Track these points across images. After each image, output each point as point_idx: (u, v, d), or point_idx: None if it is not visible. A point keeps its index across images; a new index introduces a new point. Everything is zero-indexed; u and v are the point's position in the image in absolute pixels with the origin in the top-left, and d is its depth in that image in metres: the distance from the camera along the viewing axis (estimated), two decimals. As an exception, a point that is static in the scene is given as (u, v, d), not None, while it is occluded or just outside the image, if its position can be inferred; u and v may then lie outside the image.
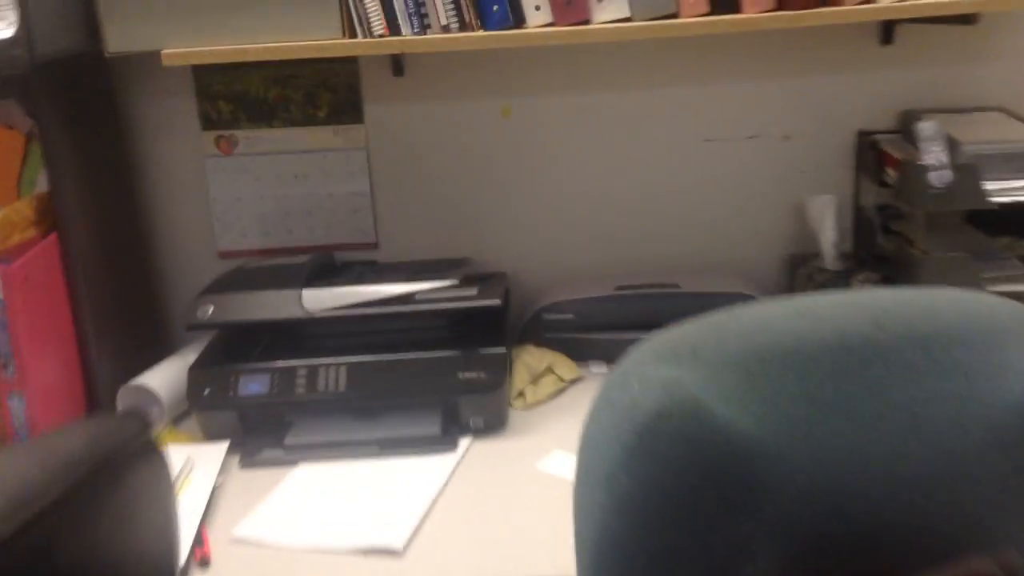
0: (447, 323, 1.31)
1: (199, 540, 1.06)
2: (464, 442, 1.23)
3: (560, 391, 1.36)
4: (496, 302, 1.26)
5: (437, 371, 1.24)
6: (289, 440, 1.24)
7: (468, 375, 1.23)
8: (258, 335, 1.32)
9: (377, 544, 1.02)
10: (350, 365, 1.25)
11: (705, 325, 0.53)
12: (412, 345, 1.27)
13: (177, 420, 1.35)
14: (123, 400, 1.34)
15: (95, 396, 1.34)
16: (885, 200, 1.38)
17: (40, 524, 0.54)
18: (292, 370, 1.25)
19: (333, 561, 1.01)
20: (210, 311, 1.27)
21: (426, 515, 1.08)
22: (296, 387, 1.24)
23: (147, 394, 1.33)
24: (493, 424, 1.27)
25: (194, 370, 1.27)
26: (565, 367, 1.39)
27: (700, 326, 0.53)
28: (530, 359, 1.37)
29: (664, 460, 0.48)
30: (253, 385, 1.25)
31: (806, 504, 0.47)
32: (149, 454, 0.68)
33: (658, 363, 0.51)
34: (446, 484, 1.15)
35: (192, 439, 1.29)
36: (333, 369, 1.25)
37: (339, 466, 1.20)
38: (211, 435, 1.28)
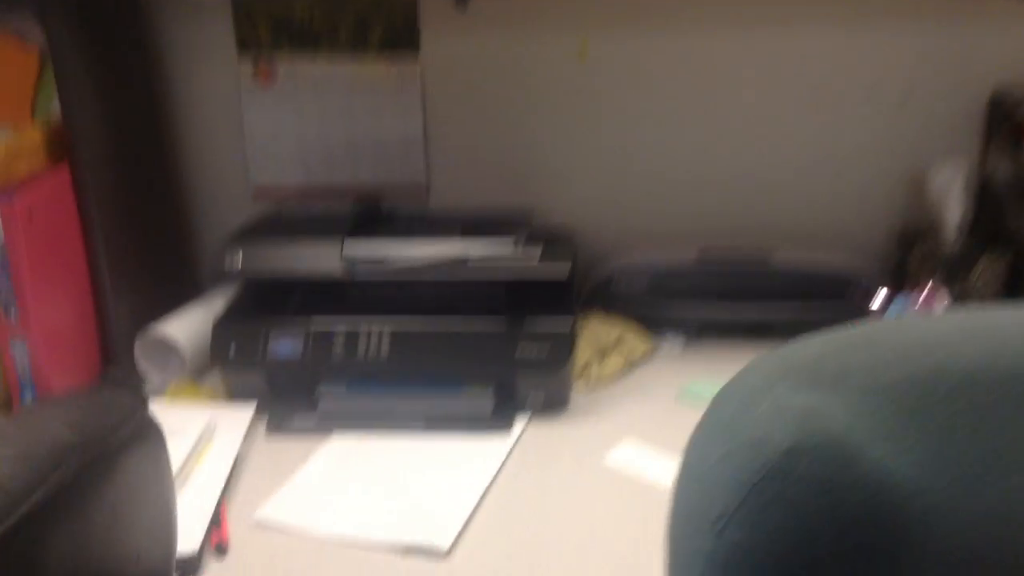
0: (506, 287, 1.15)
1: (217, 520, 0.92)
2: (520, 423, 1.08)
3: (630, 368, 1.20)
4: (564, 272, 1.10)
5: (493, 343, 1.08)
6: (323, 407, 1.10)
7: (528, 350, 1.07)
8: (292, 290, 1.17)
9: (420, 543, 0.88)
10: (395, 330, 1.10)
11: (851, 340, 0.44)
12: (466, 309, 1.11)
13: (199, 374, 1.21)
14: (141, 350, 1.20)
15: (110, 344, 1.20)
16: (1019, 173, 1.19)
17: (27, 527, 0.48)
18: (329, 332, 1.10)
19: (367, 558, 0.87)
20: (240, 260, 1.12)
21: (475, 510, 0.93)
22: (333, 351, 1.09)
23: (167, 345, 1.19)
24: (554, 404, 1.11)
25: (220, 325, 1.12)
26: (637, 341, 1.22)
27: (845, 341, 0.44)
28: (597, 330, 1.21)
29: (793, 508, 0.39)
30: (285, 345, 1.10)
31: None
32: (145, 436, 0.61)
33: (792, 385, 0.42)
34: (498, 472, 1.00)
35: (214, 396, 1.15)
36: (375, 334, 1.10)
37: (377, 441, 1.05)
38: (236, 396, 1.14)
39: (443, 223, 1.24)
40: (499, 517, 0.93)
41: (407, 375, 1.10)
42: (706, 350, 1.25)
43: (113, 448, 0.57)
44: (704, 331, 1.27)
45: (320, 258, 1.11)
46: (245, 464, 1.02)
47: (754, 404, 0.42)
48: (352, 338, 1.09)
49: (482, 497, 0.95)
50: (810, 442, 0.39)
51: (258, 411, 1.10)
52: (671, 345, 1.26)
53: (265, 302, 1.16)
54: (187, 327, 1.21)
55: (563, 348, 1.08)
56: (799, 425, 0.40)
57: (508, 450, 1.03)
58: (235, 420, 1.07)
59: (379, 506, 0.94)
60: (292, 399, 1.11)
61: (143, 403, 0.61)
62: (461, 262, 1.11)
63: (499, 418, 1.08)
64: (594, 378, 1.17)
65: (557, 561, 0.86)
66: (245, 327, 1.12)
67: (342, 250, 1.11)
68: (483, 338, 1.08)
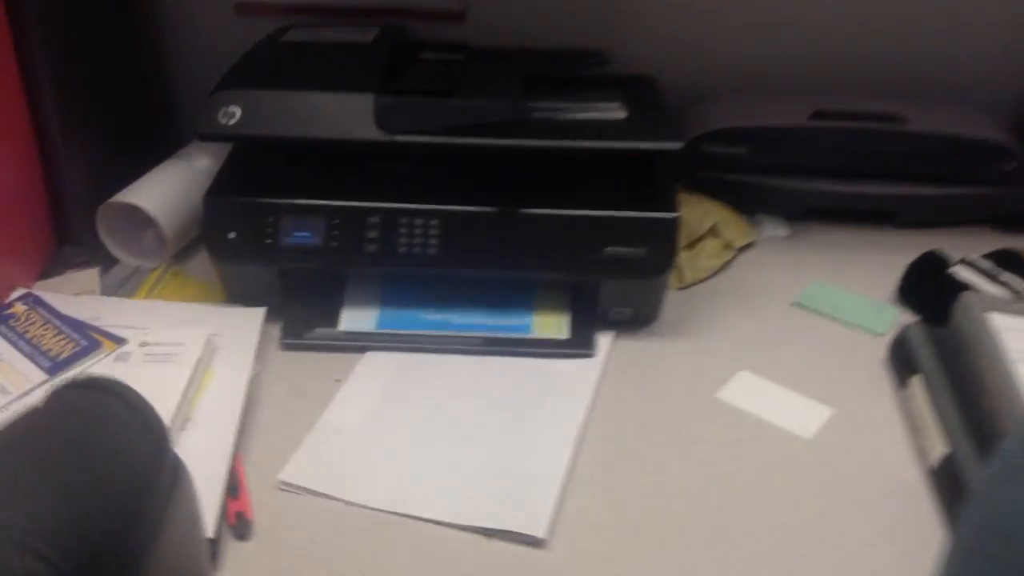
0: (587, 159, 0.89)
1: (234, 488, 0.69)
2: (603, 344, 0.86)
3: (726, 264, 0.97)
4: (678, 143, 0.83)
5: (576, 238, 0.83)
6: (348, 319, 0.86)
7: (621, 250, 0.83)
8: (302, 154, 0.89)
9: (508, 526, 0.67)
10: (445, 215, 0.84)
11: None
12: (536, 189, 0.85)
13: (181, 256, 0.95)
14: (104, 221, 0.93)
15: (65, 218, 0.93)
16: None
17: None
18: (360, 214, 0.84)
19: (440, 536, 0.66)
20: (236, 116, 0.83)
21: (567, 476, 0.72)
22: (365, 240, 0.84)
23: (138, 217, 0.91)
24: (643, 319, 0.89)
25: (213, 200, 0.85)
26: (734, 227, 0.99)
27: None
28: (688, 214, 0.97)
29: None
30: (302, 231, 0.84)
31: None
32: (175, 485, 0.50)
33: None
34: (588, 417, 0.78)
35: (205, 289, 0.90)
36: (420, 218, 0.84)
37: (423, 363, 0.83)
38: (234, 296, 0.89)
39: (495, 67, 0.95)
40: (598, 485, 0.72)
41: (462, 274, 0.85)
42: (819, 238, 1.02)
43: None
44: (816, 214, 1.03)
45: (346, 118, 0.83)
46: (259, 398, 0.79)
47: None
48: (390, 223, 0.84)
49: (573, 456, 0.73)
50: None
51: (268, 317, 0.85)
52: (772, 232, 1.02)
53: (267, 169, 0.88)
54: (162, 195, 0.93)
55: (664, 247, 0.83)
56: None
57: (594, 383, 0.81)
58: (240, 333, 0.82)
59: (439, 464, 0.72)
60: (312, 302, 0.87)
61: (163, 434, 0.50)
62: (555, 128, 0.84)
63: (578, 337, 0.85)
64: (687, 278, 0.94)
65: (684, 543, 0.66)
66: (248, 205, 0.85)
67: (378, 105, 0.83)
68: (562, 230, 0.83)
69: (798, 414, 0.78)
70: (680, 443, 0.75)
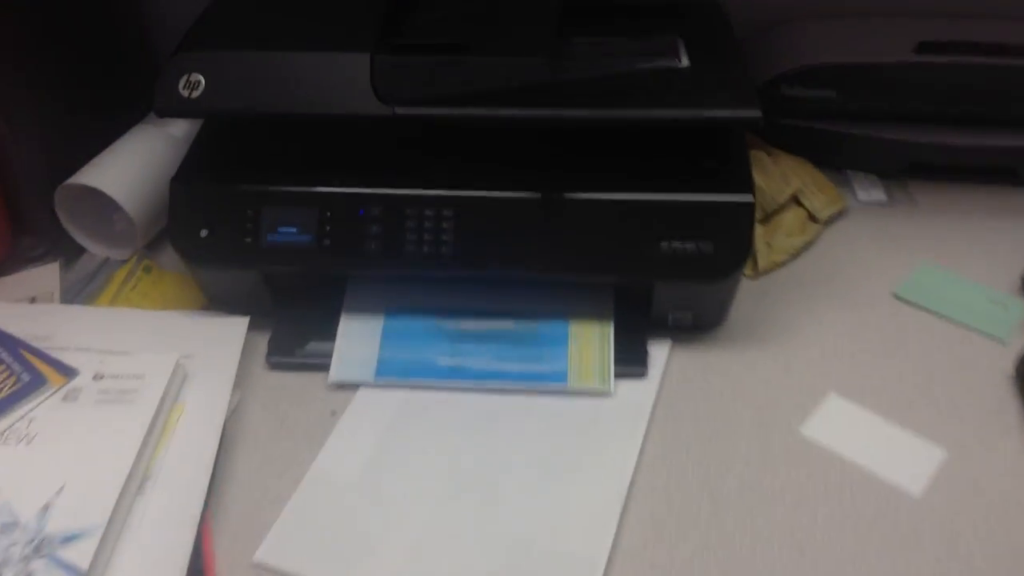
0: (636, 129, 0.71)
1: (198, 566, 0.57)
2: (658, 357, 0.70)
3: (809, 243, 0.79)
4: (756, 111, 0.65)
5: (621, 231, 0.67)
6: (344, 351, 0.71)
7: (679, 245, 0.66)
8: (283, 130, 0.73)
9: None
10: (461, 203, 0.68)
11: None
12: (571, 168, 0.69)
13: (156, 245, 0.81)
14: (64, 205, 0.78)
15: (16, 198, 0.79)
16: None
17: None
18: (359, 203, 0.68)
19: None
20: (201, 85, 0.67)
21: (613, 550, 0.58)
22: (365, 236, 0.68)
23: (101, 202, 0.77)
24: (707, 322, 0.73)
25: (181, 187, 0.70)
26: (820, 193, 0.81)
27: None
28: (763, 180, 0.79)
29: None
30: (288, 226, 0.69)
31: None
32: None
33: None
34: (639, 462, 0.63)
35: (182, 287, 0.76)
36: (431, 208, 0.68)
37: (435, 397, 0.68)
38: (215, 301, 0.75)
39: (514, 5, 0.76)
40: (651, 561, 0.57)
41: (481, 274, 0.70)
42: (926, 203, 0.84)
43: None
44: (922, 171, 0.84)
45: (337, 81, 0.66)
46: (237, 438, 0.66)
47: None
48: (395, 213, 0.68)
49: (619, 524, 0.59)
50: None
51: (255, 326, 0.71)
52: (866, 196, 0.84)
53: (249, 150, 0.73)
54: (128, 173, 0.78)
55: (735, 239, 0.66)
56: None
57: (646, 418, 0.66)
58: (218, 351, 0.69)
59: (454, 538, 0.59)
60: (305, 309, 0.73)
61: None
62: (599, 90, 0.66)
63: (629, 353, 0.69)
64: (761, 265, 0.77)
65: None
66: (222, 192, 0.69)
67: (376, 68, 0.66)
68: (606, 219, 0.67)
69: (903, 458, 0.62)
70: (753, 501, 0.60)
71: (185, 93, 0.66)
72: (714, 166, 0.69)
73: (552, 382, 0.67)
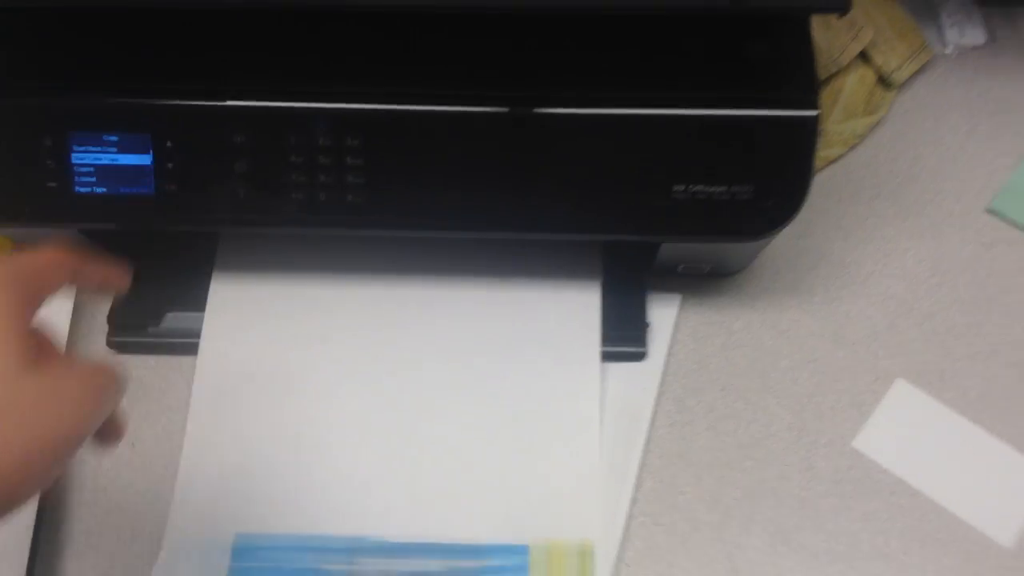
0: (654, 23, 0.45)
1: None
2: (663, 328, 0.50)
3: (877, 121, 0.56)
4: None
5: (618, 165, 0.43)
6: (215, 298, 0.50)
7: (705, 189, 0.44)
8: (111, 19, 0.45)
9: None
10: (375, 119, 0.43)
11: None
12: (551, 70, 0.44)
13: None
14: None
15: None
16: None
17: None
18: (216, 121, 0.43)
19: None
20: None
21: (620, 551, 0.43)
22: (228, 173, 0.44)
23: None
24: (727, 269, 0.52)
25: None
26: (896, 43, 0.56)
27: None
28: (819, 33, 0.53)
29: None
30: (108, 152, 0.44)
31: None
32: None
33: None
34: (641, 465, 0.46)
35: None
36: (331, 128, 0.43)
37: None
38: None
39: None
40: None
41: (417, 246, 0.47)
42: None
43: None
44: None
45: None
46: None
47: None
48: (273, 142, 0.44)
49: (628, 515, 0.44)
50: None
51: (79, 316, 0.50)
52: (965, 38, 0.58)
53: (44, 53, 0.46)
54: None
55: (790, 178, 0.44)
56: None
57: (653, 402, 0.48)
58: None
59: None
60: (156, 271, 0.51)
61: None
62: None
63: (623, 327, 0.49)
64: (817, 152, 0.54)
65: None
66: (10, 108, 0.44)
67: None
68: (587, 149, 0.43)
69: (989, 494, 0.46)
70: (801, 556, 0.44)
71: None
72: (758, 56, 0.44)
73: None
